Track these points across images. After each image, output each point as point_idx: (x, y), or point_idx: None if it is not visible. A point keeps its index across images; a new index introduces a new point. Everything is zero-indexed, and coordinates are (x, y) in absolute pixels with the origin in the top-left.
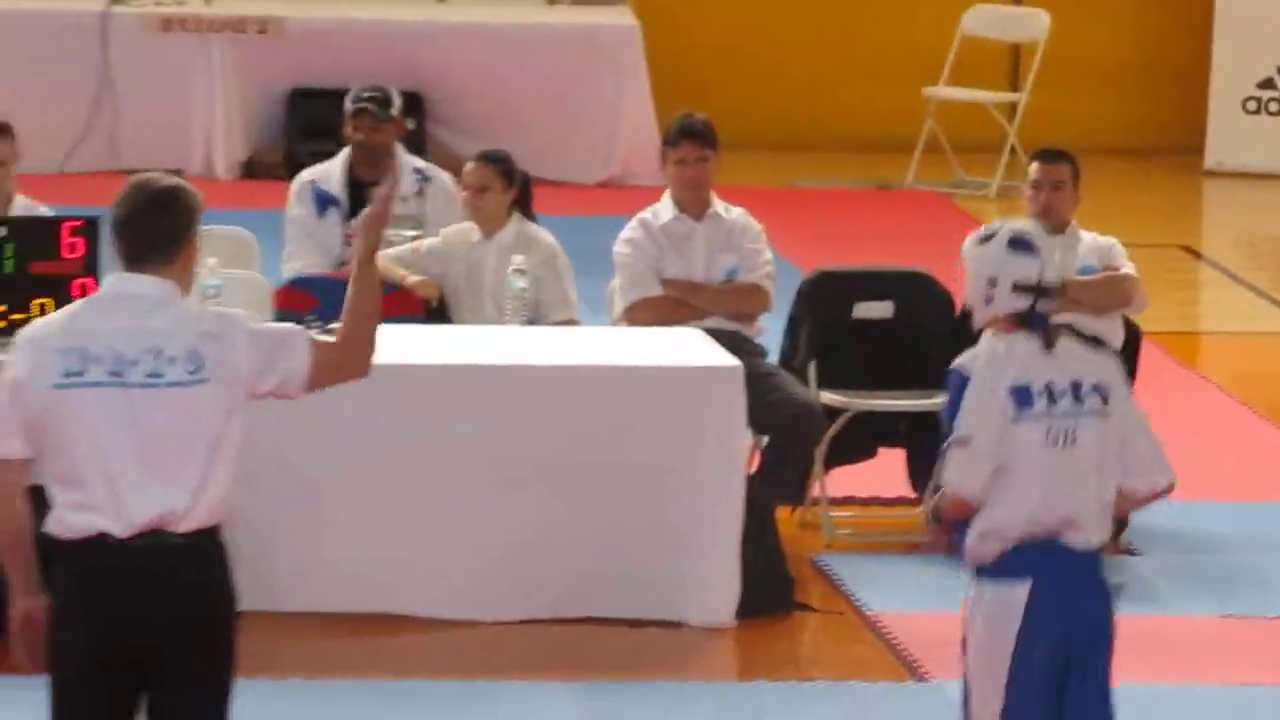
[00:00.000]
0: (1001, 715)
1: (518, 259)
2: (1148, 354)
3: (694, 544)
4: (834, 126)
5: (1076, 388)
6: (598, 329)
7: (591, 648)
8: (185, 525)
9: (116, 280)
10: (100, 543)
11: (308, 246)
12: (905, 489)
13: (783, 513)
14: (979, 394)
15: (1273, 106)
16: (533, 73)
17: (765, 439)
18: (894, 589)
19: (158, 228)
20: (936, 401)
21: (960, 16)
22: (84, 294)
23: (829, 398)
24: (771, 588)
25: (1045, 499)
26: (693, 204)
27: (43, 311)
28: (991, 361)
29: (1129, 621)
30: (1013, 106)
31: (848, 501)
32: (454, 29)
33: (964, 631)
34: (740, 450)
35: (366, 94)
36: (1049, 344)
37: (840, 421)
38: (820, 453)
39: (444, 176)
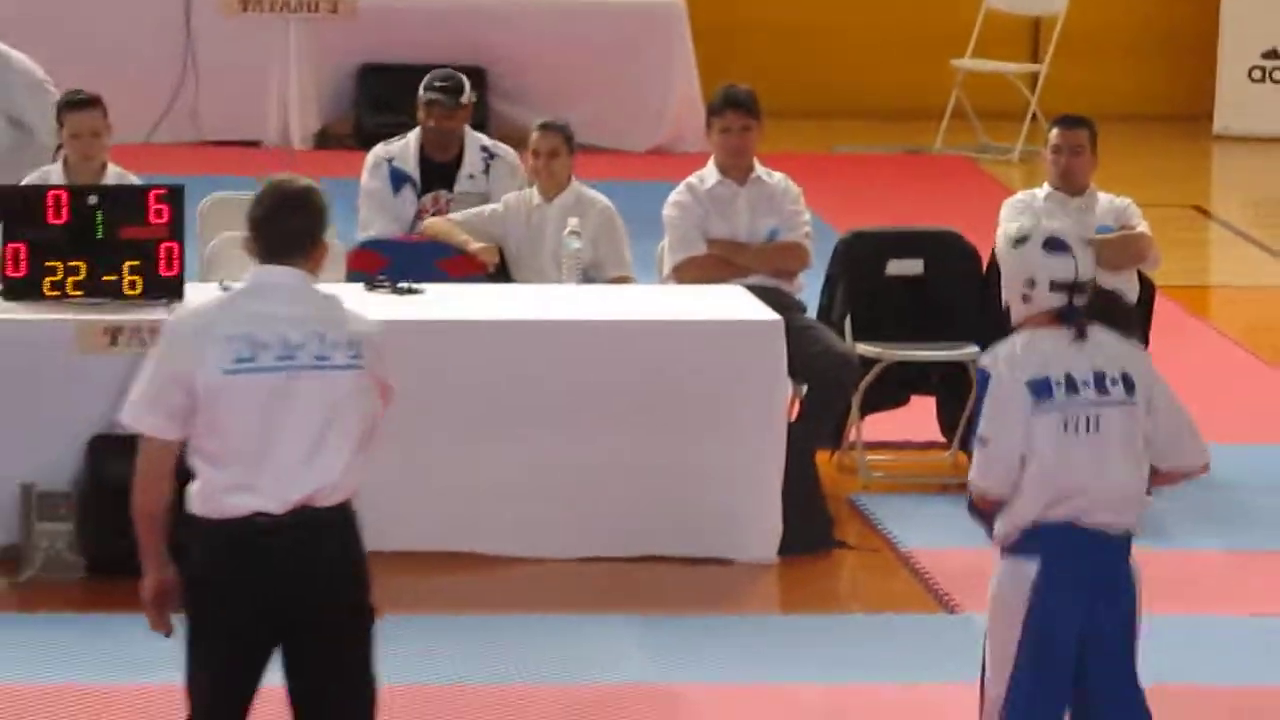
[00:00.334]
0: (1008, 690)
1: (574, 221)
2: (1161, 307)
3: (740, 487)
4: (868, 96)
5: (1101, 378)
6: (649, 286)
7: (647, 584)
8: (332, 500)
9: (261, 273)
10: (255, 519)
11: (382, 218)
12: (936, 434)
13: (822, 457)
14: (997, 394)
15: (1277, 75)
16: (587, 47)
17: (805, 388)
18: (926, 527)
19: (293, 227)
20: (965, 352)
21: None
22: (169, 257)
23: (864, 349)
24: (812, 527)
25: (1063, 484)
26: (736, 169)
27: (133, 273)
28: (1010, 360)
29: (1142, 557)
30: (1034, 76)
31: (882, 446)
32: (514, 6)
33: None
34: (782, 399)
35: (439, 83)
36: (1082, 336)
37: (875, 371)
38: (856, 400)
39: (508, 153)
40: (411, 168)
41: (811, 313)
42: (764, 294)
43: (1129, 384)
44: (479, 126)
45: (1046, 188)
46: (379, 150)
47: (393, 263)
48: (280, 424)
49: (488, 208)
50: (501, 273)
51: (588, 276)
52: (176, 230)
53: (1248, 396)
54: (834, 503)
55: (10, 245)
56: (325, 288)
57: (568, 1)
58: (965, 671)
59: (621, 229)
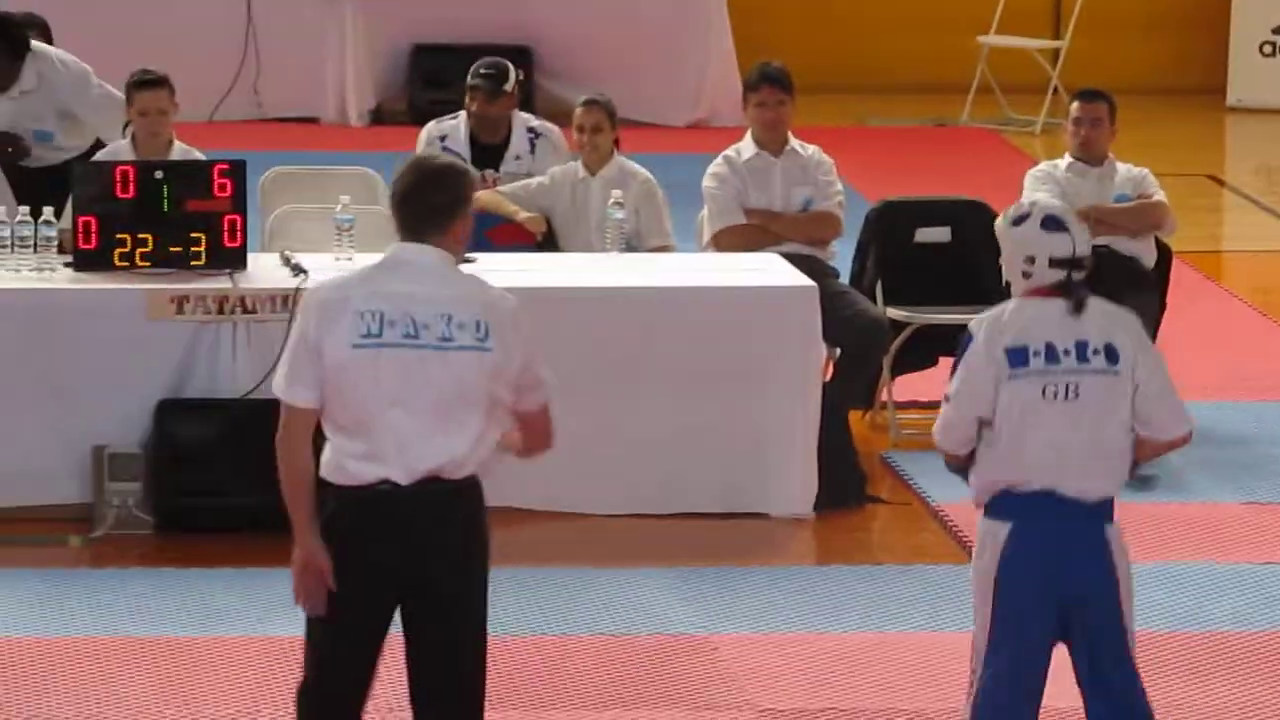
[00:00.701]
0: (986, 647)
1: (617, 193)
2: (1178, 271)
3: (776, 445)
4: (897, 72)
5: (1083, 347)
6: (688, 255)
7: (687, 538)
8: (459, 473)
9: (399, 249)
10: (382, 489)
11: None
12: None
13: (855, 416)
14: (970, 358)
15: None
16: (629, 26)
17: (839, 350)
18: (954, 482)
19: (432, 204)
20: None
21: None
22: (232, 229)
23: (894, 313)
24: (845, 483)
25: (1038, 450)
26: (772, 142)
27: (198, 244)
28: (993, 326)
29: (1163, 509)
30: (1056, 52)
31: (912, 405)
32: None
33: None
34: (816, 361)
35: (484, 70)
36: (1079, 309)
37: (905, 334)
38: (887, 362)
39: (553, 132)
40: (462, 147)
41: (844, 279)
42: (799, 261)
43: (1112, 354)
44: (526, 102)
45: (1067, 158)
46: (432, 128)
47: None
48: (404, 400)
49: (534, 180)
50: (549, 242)
51: (630, 246)
52: (239, 203)
53: (1260, 355)
54: (866, 460)
55: (81, 218)
56: (448, 262)
57: None
58: None
59: (662, 200)
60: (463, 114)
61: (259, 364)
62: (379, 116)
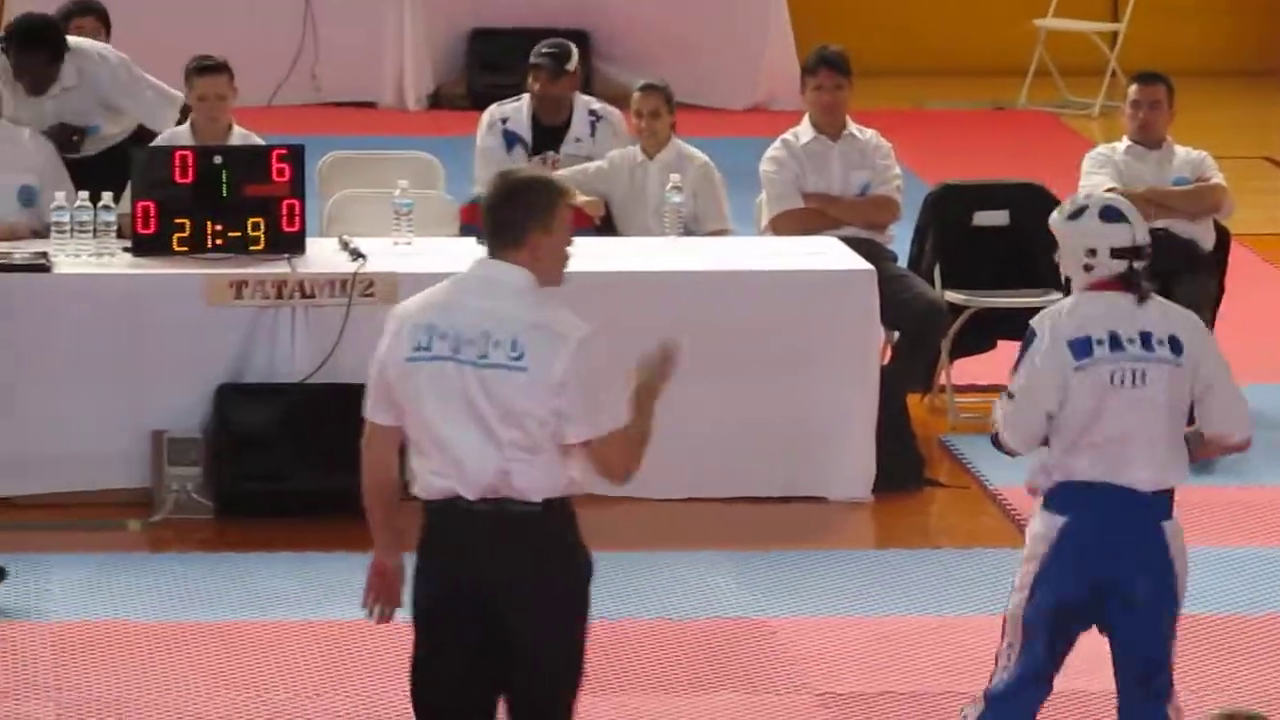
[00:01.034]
0: (1019, 627)
1: (675, 177)
2: (1236, 253)
3: (835, 428)
4: (956, 55)
5: (1146, 337)
6: (747, 238)
7: (747, 521)
8: (526, 493)
9: (477, 263)
10: (453, 503)
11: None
12: None
13: (913, 399)
14: (1035, 353)
15: None
16: (687, 10)
17: (897, 334)
18: (1012, 465)
19: (506, 218)
20: (1049, 299)
21: None
22: (290, 214)
23: (953, 296)
24: (904, 466)
25: (1103, 435)
26: (830, 126)
27: (256, 228)
28: (1056, 320)
29: (1222, 492)
30: (1114, 35)
31: (970, 389)
32: None
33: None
34: (875, 344)
35: (545, 51)
36: (1142, 299)
37: (963, 318)
38: (945, 345)
39: (613, 114)
40: (524, 129)
41: (902, 262)
42: (857, 245)
43: (1176, 345)
44: (584, 86)
45: (1125, 141)
46: (494, 111)
47: None
48: (454, 415)
49: (593, 164)
50: (607, 226)
51: (688, 229)
52: (297, 188)
53: None
54: (925, 443)
55: (140, 203)
56: (520, 279)
57: None
58: None
59: (720, 184)
60: (525, 97)
61: (317, 348)
62: (437, 101)
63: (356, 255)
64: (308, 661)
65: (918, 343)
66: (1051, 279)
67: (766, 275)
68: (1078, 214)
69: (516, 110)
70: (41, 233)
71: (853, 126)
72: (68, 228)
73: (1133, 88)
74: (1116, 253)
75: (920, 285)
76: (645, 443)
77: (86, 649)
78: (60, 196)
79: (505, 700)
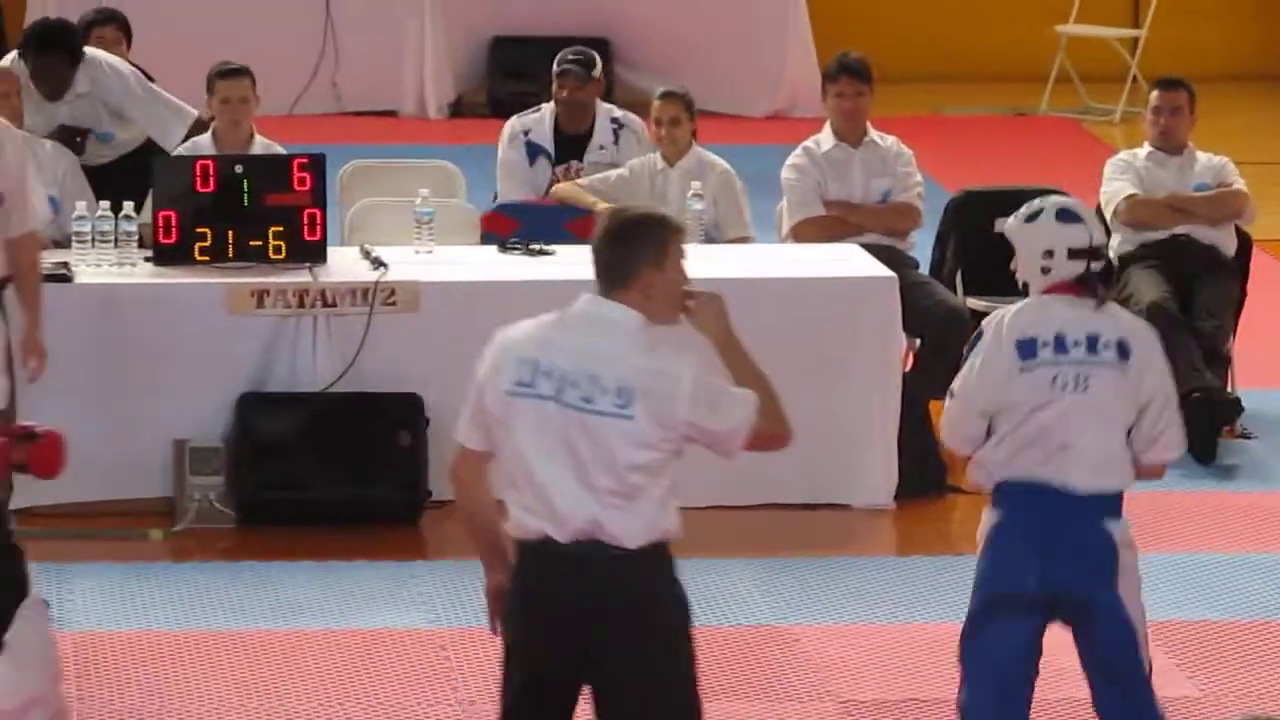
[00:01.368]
0: (968, 626)
1: (696, 184)
2: (1258, 260)
3: (857, 435)
4: (976, 61)
5: (1094, 340)
6: (768, 246)
7: (769, 528)
8: (619, 539)
9: (586, 300)
10: (545, 544)
11: (518, 187)
12: None
13: (935, 406)
14: (980, 353)
15: None
16: (707, 17)
17: (919, 340)
18: None
19: (616, 257)
20: None
21: None
22: (312, 223)
23: (974, 303)
24: (926, 473)
25: (1043, 439)
26: (851, 133)
27: (277, 237)
28: (1000, 323)
29: (1244, 498)
30: (1135, 41)
31: None
32: None
33: None
34: (897, 351)
35: (571, 57)
36: (1101, 303)
37: None
38: (968, 352)
39: (635, 122)
40: (546, 140)
41: (924, 269)
42: (878, 252)
43: (1124, 350)
44: (605, 94)
45: (1147, 147)
46: (515, 123)
47: (524, 225)
48: (551, 455)
49: (614, 172)
50: None
51: (709, 237)
52: (319, 197)
53: None
54: (946, 450)
55: (161, 213)
56: (630, 320)
57: None
58: None
59: (741, 191)
60: (546, 107)
61: (339, 357)
62: (458, 109)
63: (378, 264)
64: (330, 670)
65: (940, 349)
66: None
67: (788, 282)
68: (1034, 216)
69: (538, 121)
70: (63, 243)
71: (874, 133)
72: (89, 238)
73: (1154, 94)
74: (1074, 253)
75: (942, 292)
76: (770, 387)
77: (108, 659)
78: (81, 206)
79: None
